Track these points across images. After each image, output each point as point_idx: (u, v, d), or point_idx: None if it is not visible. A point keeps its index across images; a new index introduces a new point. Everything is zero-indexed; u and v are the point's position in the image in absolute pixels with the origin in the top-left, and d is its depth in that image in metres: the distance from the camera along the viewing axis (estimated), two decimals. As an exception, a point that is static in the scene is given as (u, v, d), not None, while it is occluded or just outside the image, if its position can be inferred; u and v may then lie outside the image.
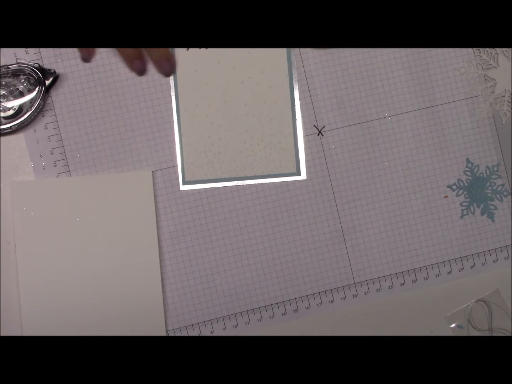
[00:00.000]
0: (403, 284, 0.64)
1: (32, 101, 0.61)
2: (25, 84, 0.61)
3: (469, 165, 0.64)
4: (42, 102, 0.61)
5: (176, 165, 0.63)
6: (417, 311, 0.64)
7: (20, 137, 0.62)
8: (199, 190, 0.63)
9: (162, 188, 0.63)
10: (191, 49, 0.61)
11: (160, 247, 0.62)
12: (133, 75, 0.61)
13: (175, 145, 0.63)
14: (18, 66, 0.60)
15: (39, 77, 0.60)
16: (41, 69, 0.61)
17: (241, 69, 0.63)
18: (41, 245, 0.61)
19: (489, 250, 0.64)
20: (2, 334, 0.61)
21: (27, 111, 0.61)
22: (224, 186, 0.63)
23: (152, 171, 0.62)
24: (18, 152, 0.62)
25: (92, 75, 0.62)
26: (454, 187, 0.64)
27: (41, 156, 0.62)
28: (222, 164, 0.62)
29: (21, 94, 0.61)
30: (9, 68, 0.60)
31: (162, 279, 0.62)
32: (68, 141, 0.62)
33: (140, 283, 0.62)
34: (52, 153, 0.62)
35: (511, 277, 0.64)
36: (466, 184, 0.64)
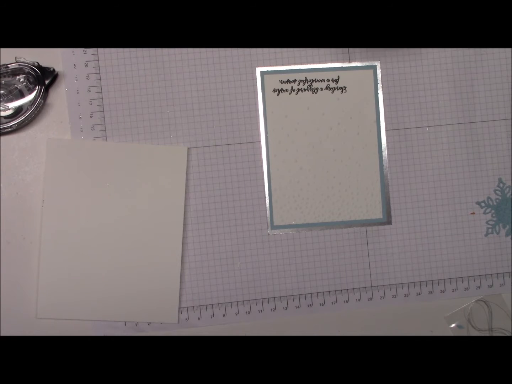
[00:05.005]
0: (419, 294, 0.64)
1: (32, 100, 0.60)
2: (24, 83, 0.60)
3: (501, 185, 0.64)
4: (42, 101, 0.61)
5: (265, 209, 0.63)
6: (417, 311, 0.64)
7: (20, 136, 0.62)
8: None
9: (195, 166, 0.63)
10: (280, 94, 0.62)
11: (184, 224, 0.62)
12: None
13: (213, 125, 0.63)
14: (17, 65, 0.60)
15: (38, 75, 0.60)
16: (40, 67, 0.60)
17: (330, 115, 0.63)
18: (68, 204, 0.61)
19: (509, 272, 0.64)
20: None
21: (27, 110, 0.60)
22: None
23: (188, 148, 0.63)
24: (18, 152, 0.62)
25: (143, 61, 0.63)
26: (483, 204, 0.64)
27: (80, 118, 0.62)
28: (310, 209, 0.63)
29: (21, 93, 0.60)
30: (8, 67, 0.60)
31: (182, 256, 0.62)
32: (109, 106, 0.62)
33: (160, 257, 0.62)
34: (92, 116, 0.62)
35: (511, 277, 0.64)
36: (495, 203, 0.64)
